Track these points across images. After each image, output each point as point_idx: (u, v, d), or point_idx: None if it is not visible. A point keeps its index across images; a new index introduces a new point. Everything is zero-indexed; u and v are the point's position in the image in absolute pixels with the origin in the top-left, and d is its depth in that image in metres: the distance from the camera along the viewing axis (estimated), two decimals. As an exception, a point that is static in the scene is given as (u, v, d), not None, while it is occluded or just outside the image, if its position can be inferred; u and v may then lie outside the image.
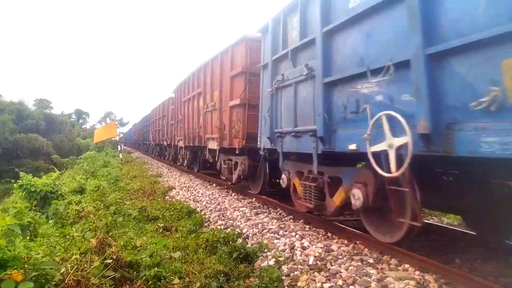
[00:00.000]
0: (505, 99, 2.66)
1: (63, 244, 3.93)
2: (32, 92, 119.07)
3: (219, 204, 7.72)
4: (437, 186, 4.30)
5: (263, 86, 6.86)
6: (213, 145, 9.84)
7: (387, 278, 3.41)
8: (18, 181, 7.36)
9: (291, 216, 6.26)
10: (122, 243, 4.11)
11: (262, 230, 5.42)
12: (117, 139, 35.06)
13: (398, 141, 3.47)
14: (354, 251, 4.33)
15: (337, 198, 4.82)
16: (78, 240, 4.00)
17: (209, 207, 7.57)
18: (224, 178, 9.39)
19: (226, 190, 9.74)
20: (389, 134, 3.56)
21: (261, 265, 3.99)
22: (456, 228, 5.54)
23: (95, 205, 6.51)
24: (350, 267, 3.76)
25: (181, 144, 14.76)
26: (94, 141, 25.55)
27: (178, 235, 5.16)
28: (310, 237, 4.93)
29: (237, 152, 8.11)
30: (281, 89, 6.03)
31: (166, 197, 9.40)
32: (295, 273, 3.74)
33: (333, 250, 4.31)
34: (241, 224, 5.91)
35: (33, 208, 6.67)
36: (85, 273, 2.94)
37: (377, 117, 3.70)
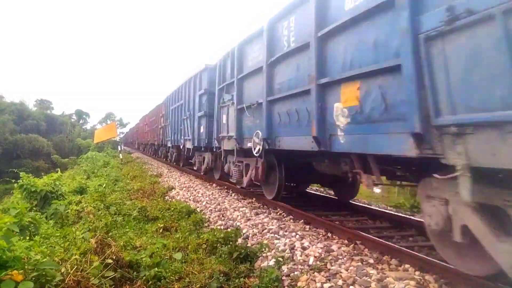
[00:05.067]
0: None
1: (63, 244, 3.93)
2: (33, 92, 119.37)
3: (219, 204, 7.72)
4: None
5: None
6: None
7: (387, 278, 3.41)
8: (18, 181, 7.38)
9: (291, 216, 6.26)
10: (122, 243, 4.12)
11: (262, 230, 5.42)
12: (118, 140, 35.03)
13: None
14: (354, 251, 4.33)
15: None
16: (78, 240, 4.00)
17: (209, 207, 7.57)
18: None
19: (226, 190, 9.75)
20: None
21: (261, 265, 3.99)
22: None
23: (95, 205, 6.52)
24: (350, 267, 3.76)
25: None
26: (94, 142, 25.60)
27: (178, 235, 5.16)
28: (310, 237, 4.92)
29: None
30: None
31: (166, 197, 9.41)
32: (295, 273, 3.73)
33: (333, 250, 4.31)
34: (241, 224, 5.91)
35: (33, 208, 6.67)
36: (85, 273, 2.95)
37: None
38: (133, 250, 4.07)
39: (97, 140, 25.03)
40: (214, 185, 10.92)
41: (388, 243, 4.33)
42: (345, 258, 4.07)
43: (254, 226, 5.69)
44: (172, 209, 6.96)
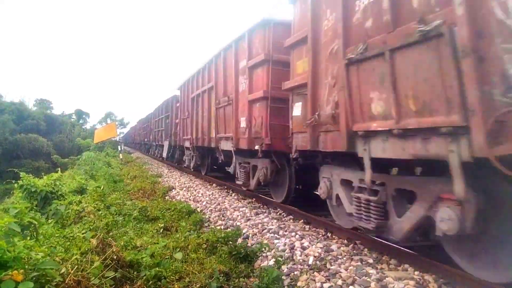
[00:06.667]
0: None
1: (63, 244, 3.94)
2: (33, 92, 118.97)
3: (219, 204, 7.74)
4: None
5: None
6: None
7: (386, 278, 3.42)
8: (18, 181, 7.37)
9: (291, 216, 6.27)
10: (122, 243, 4.12)
11: (262, 230, 5.43)
12: (118, 139, 34.77)
13: None
14: (354, 251, 4.34)
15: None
16: (78, 240, 4.01)
17: (209, 207, 7.58)
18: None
19: (226, 190, 9.76)
20: None
21: (261, 265, 4.01)
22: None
23: (95, 205, 6.52)
24: (350, 267, 3.77)
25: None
26: (94, 141, 25.57)
27: (178, 235, 5.16)
28: (310, 237, 4.93)
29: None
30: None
31: (166, 197, 9.42)
32: (295, 273, 3.74)
33: (332, 250, 4.32)
34: (241, 224, 5.92)
35: (33, 208, 6.67)
36: (86, 273, 2.95)
37: None
38: (134, 250, 4.08)
39: (97, 140, 24.98)
40: (214, 185, 10.93)
41: (387, 243, 4.33)
42: (344, 258, 4.08)
43: (254, 226, 5.70)
44: (172, 209, 6.96)
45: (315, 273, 3.68)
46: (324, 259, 4.01)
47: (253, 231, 5.45)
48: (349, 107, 3.96)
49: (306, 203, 6.74)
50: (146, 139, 29.64)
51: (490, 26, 2.56)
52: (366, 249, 4.41)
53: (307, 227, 5.57)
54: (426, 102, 3.06)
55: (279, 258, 4.05)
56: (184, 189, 10.50)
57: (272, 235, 5.13)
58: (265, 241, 4.77)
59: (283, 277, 3.65)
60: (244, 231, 5.42)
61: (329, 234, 5.13)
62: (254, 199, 7.99)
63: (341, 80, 4.11)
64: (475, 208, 2.92)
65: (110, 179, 11.41)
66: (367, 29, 3.76)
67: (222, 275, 3.56)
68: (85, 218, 5.66)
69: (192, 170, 13.73)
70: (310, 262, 3.98)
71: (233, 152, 8.37)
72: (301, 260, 4.08)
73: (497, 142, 2.54)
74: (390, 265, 3.91)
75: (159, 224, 5.84)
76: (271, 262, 4.02)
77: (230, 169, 9.03)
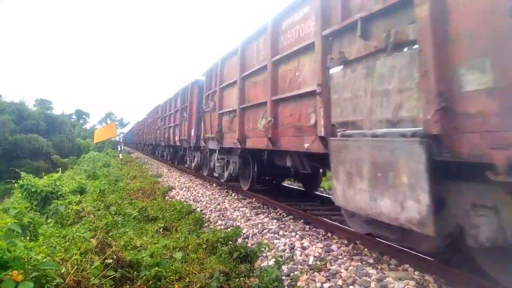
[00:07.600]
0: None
1: (63, 244, 3.93)
2: (33, 92, 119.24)
3: (219, 204, 7.73)
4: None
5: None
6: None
7: (387, 278, 3.42)
8: (18, 181, 7.38)
9: (291, 216, 6.27)
10: (122, 243, 4.12)
11: (262, 230, 5.43)
12: (118, 140, 34.54)
13: None
14: (354, 251, 4.34)
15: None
16: (78, 240, 4.00)
17: (209, 207, 7.58)
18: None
19: (226, 190, 9.76)
20: None
21: (261, 265, 4.00)
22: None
23: (95, 205, 6.52)
24: (350, 267, 3.77)
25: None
26: (94, 141, 25.58)
27: (178, 235, 5.16)
28: (310, 237, 4.93)
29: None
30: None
31: (166, 197, 9.41)
32: (295, 273, 3.74)
33: (333, 250, 4.32)
34: (241, 224, 5.92)
35: (33, 208, 6.67)
36: (86, 273, 2.95)
37: None
38: (134, 250, 4.07)
39: (97, 140, 25.00)
40: (214, 185, 10.92)
41: (388, 243, 4.33)
42: (344, 258, 4.08)
43: (254, 226, 5.70)
44: (172, 209, 6.96)
45: (315, 273, 3.68)
46: (324, 259, 4.01)
47: (253, 231, 5.45)
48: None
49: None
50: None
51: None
52: (366, 249, 4.40)
53: (307, 227, 5.57)
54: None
55: (279, 258, 4.05)
56: (184, 189, 10.49)
57: (272, 235, 5.12)
58: (265, 241, 4.77)
59: (283, 277, 3.65)
60: (244, 231, 5.41)
61: (329, 234, 5.12)
62: (254, 199, 7.99)
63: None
64: None
65: (110, 178, 11.39)
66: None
67: (222, 275, 3.56)
68: (85, 218, 5.65)
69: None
70: (310, 262, 3.98)
71: None
72: (301, 260, 4.08)
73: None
74: (391, 265, 3.90)
75: (159, 224, 5.84)
76: (271, 262, 4.02)
77: None
